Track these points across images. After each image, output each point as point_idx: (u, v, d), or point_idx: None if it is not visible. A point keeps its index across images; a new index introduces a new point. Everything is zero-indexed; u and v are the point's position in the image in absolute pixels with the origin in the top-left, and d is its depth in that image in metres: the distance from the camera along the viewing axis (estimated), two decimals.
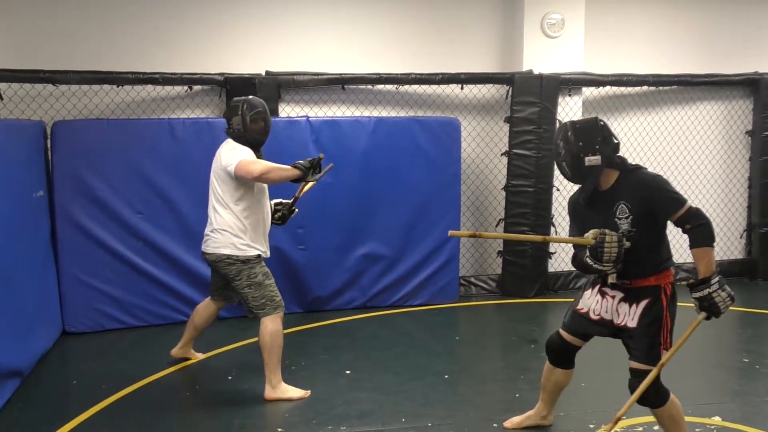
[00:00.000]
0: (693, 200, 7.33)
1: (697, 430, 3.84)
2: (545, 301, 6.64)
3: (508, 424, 3.91)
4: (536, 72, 6.61)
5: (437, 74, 6.52)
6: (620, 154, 3.32)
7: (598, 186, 3.29)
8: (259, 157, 4.31)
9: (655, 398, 3.26)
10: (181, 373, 4.78)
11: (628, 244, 3.20)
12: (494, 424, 3.96)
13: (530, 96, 6.54)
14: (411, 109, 6.71)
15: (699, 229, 3.11)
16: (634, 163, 3.33)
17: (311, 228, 6.05)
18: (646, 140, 7.16)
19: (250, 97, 4.42)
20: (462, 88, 6.67)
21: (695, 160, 7.31)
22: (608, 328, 3.42)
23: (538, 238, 3.75)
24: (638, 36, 7.12)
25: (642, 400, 3.26)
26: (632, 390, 3.26)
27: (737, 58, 7.24)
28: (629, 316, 3.30)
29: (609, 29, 7.03)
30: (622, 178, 3.28)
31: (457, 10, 6.79)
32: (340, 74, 6.42)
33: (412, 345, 5.38)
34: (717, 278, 3.09)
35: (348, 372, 4.76)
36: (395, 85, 6.60)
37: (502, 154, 6.68)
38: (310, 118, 6.12)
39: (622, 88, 7.02)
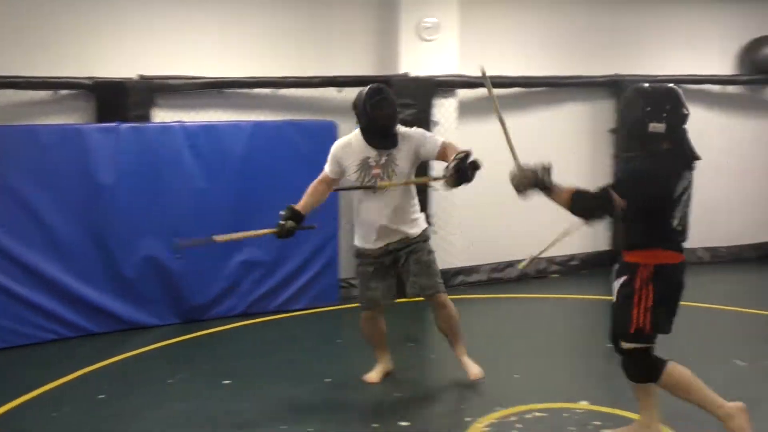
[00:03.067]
0: None
1: (565, 415, 4.03)
2: None
3: None
4: (412, 75, 6.72)
5: (314, 77, 6.52)
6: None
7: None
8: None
9: (640, 374, 3.41)
10: (48, 395, 4.51)
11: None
12: (374, 424, 4.00)
13: (407, 98, 6.64)
14: (289, 112, 6.67)
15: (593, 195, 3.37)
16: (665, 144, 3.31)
17: (188, 235, 5.83)
18: (519, 139, 7.34)
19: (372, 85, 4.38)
20: (340, 91, 6.70)
21: (564, 156, 7.55)
22: None
23: None
24: (510, 40, 7.37)
25: (631, 376, 3.44)
26: (623, 368, 3.45)
27: (600, 60, 7.61)
28: (614, 291, 3.44)
29: (482, 33, 7.23)
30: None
31: (334, 14, 6.81)
32: (217, 78, 6.31)
33: (294, 350, 5.35)
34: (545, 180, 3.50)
35: (228, 381, 4.66)
36: (273, 89, 6.55)
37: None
38: (186, 124, 5.99)
39: (495, 90, 7.22)
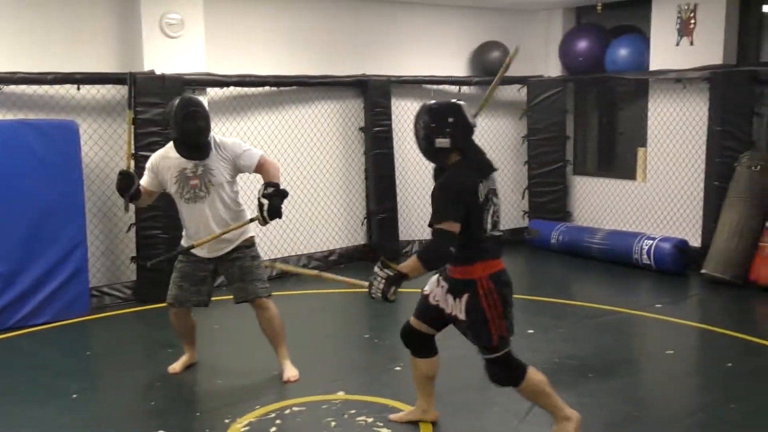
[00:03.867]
0: (317, 193, 7.80)
1: (323, 407, 4.13)
2: None
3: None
4: (158, 72, 6.48)
5: (49, 74, 6.04)
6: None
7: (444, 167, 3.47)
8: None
9: (507, 378, 3.47)
10: None
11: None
12: None
13: (153, 97, 6.40)
14: (20, 111, 6.11)
15: (428, 243, 3.39)
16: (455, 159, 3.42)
17: None
18: (271, 137, 7.44)
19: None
20: (78, 89, 6.28)
21: (317, 154, 7.79)
22: (443, 315, 3.53)
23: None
24: (259, 39, 7.35)
25: (497, 381, 3.49)
26: (489, 377, 3.49)
27: (348, 61, 7.87)
28: (457, 308, 3.44)
29: (230, 31, 7.15)
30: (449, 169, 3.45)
31: (69, 6, 6.35)
32: None
33: (37, 368, 4.93)
34: (391, 274, 3.37)
35: None
36: None
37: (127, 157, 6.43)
38: None
39: (246, 89, 7.21)
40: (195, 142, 4.32)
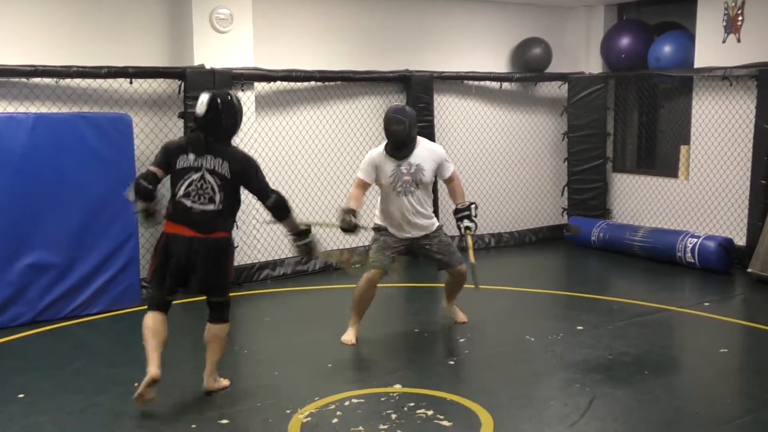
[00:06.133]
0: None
1: (382, 399, 4.17)
2: (231, 295, 6.63)
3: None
4: (208, 67, 6.55)
5: (103, 67, 6.13)
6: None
7: None
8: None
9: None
10: None
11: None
12: (192, 425, 3.88)
13: (203, 91, 6.45)
14: (75, 104, 6.21)
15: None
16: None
17: None
18: (315, 131, 7.48)
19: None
20: (131, 83, 6.36)
21: (360, 150, 7.81)
22: None
23: None
24: (305, 33, 7.40)
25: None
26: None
27: (391, 56, 7.89)
28: None
29: (277, 26, 7.21)
30: None
31: (122, 1, 6.44)
32: None
33: (94, 357, 5.03)
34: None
35: (21, 396, 4.27)
36: (55, 79, 6.06)
37: None
38: None
39: (292, 83, 7.26)
40: (396, 143, 5.03)
